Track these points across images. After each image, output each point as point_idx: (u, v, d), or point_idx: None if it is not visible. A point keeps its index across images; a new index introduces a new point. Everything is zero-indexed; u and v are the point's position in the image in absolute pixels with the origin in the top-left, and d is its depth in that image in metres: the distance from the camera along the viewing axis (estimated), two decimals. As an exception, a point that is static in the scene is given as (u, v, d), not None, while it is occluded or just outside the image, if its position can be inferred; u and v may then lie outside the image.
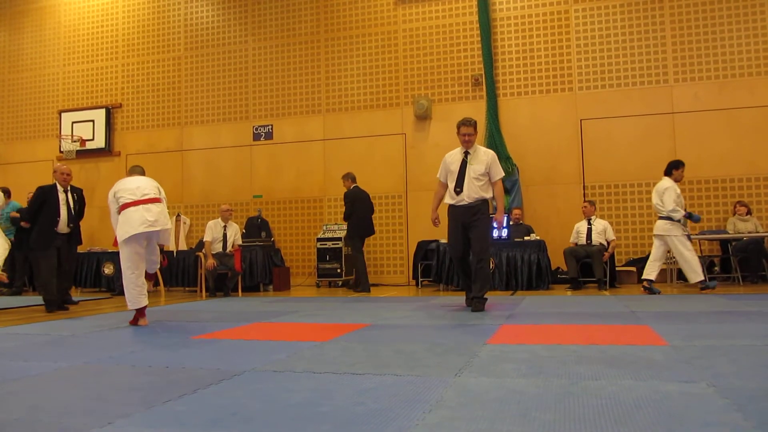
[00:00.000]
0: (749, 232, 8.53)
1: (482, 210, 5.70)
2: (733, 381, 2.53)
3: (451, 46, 10.73)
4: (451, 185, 5.78)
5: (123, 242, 5.04)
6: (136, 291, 5.04)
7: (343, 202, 9.25)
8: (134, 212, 5.05)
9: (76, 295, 8.50)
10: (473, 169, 5.70)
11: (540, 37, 10.35)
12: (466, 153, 5.78)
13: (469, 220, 5.67)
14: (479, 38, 10.47)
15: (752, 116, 9.41)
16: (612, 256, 8.72)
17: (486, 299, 5.67)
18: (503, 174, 5.96)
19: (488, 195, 5.77)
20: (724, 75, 9.60)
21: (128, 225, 5.02)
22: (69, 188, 6.86)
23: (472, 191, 5.67)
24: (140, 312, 5.10)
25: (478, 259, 5.60)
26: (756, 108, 9.40)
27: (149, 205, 5.11)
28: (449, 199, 5.82)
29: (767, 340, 3.59)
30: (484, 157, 5.76)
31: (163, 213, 5.22)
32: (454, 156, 5.86)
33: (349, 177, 9.27)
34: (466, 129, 5.74)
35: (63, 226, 6.73)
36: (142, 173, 5.55)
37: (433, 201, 6.06)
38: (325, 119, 11.25)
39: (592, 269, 8.52)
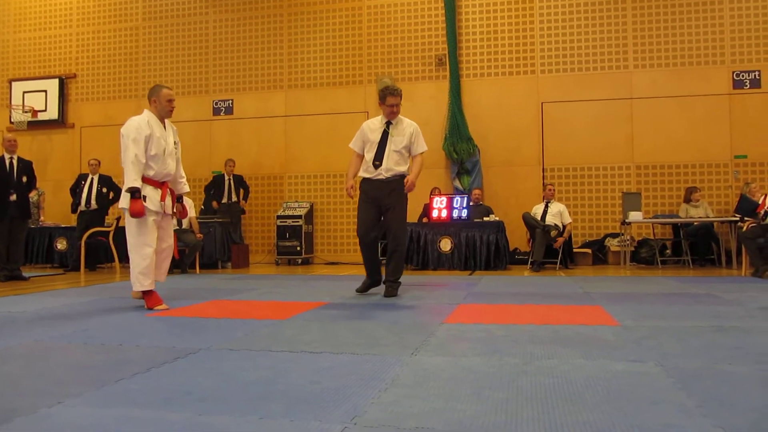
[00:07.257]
0: (699, 218, 8.79)
1: (398, 188, 5.20)
2: (679, 361, 2.62)
3: (416, 25, 10.67)
4: (369, 157, 5.23)
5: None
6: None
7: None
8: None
9: (27, 271, 8.26)
10: (395, 141, 5.21)
11: (504, 19, 10.36)
12: (388, 123, 5.27)
13: (383, 197, 5.20)
14: (444, 18, 10.44)
15: (707, 104, 9.65)
16: (569, 237, 8.88)
17: (400, 283, 5.35)
18: (426, 148, 5.41)
19: (405, 169, 5.29)
20: (681, 63, 9.80)
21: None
22: None
23: (391, 164, 5.18)
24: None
25: (395, 243, 5.23)
26: (710, 96, 9.64)
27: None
28: (365, 173, 5.28)
29: (713, 321, 3.72)
30: (408, 129, 5.27)
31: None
32: (374, 125, 5.33)
33: None
34: (393, 99, 5.21)
35: None
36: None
37: (348, 170, 5.44)
38: (287, 95, 11.10)
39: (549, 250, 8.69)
